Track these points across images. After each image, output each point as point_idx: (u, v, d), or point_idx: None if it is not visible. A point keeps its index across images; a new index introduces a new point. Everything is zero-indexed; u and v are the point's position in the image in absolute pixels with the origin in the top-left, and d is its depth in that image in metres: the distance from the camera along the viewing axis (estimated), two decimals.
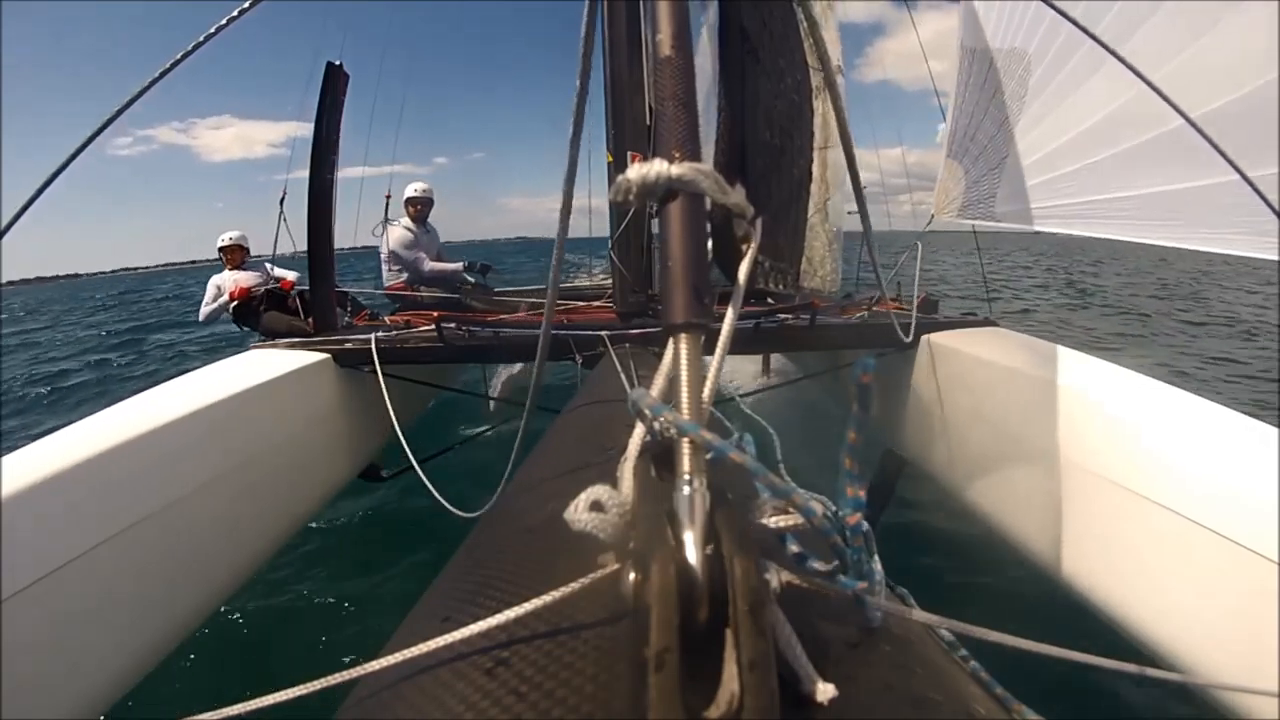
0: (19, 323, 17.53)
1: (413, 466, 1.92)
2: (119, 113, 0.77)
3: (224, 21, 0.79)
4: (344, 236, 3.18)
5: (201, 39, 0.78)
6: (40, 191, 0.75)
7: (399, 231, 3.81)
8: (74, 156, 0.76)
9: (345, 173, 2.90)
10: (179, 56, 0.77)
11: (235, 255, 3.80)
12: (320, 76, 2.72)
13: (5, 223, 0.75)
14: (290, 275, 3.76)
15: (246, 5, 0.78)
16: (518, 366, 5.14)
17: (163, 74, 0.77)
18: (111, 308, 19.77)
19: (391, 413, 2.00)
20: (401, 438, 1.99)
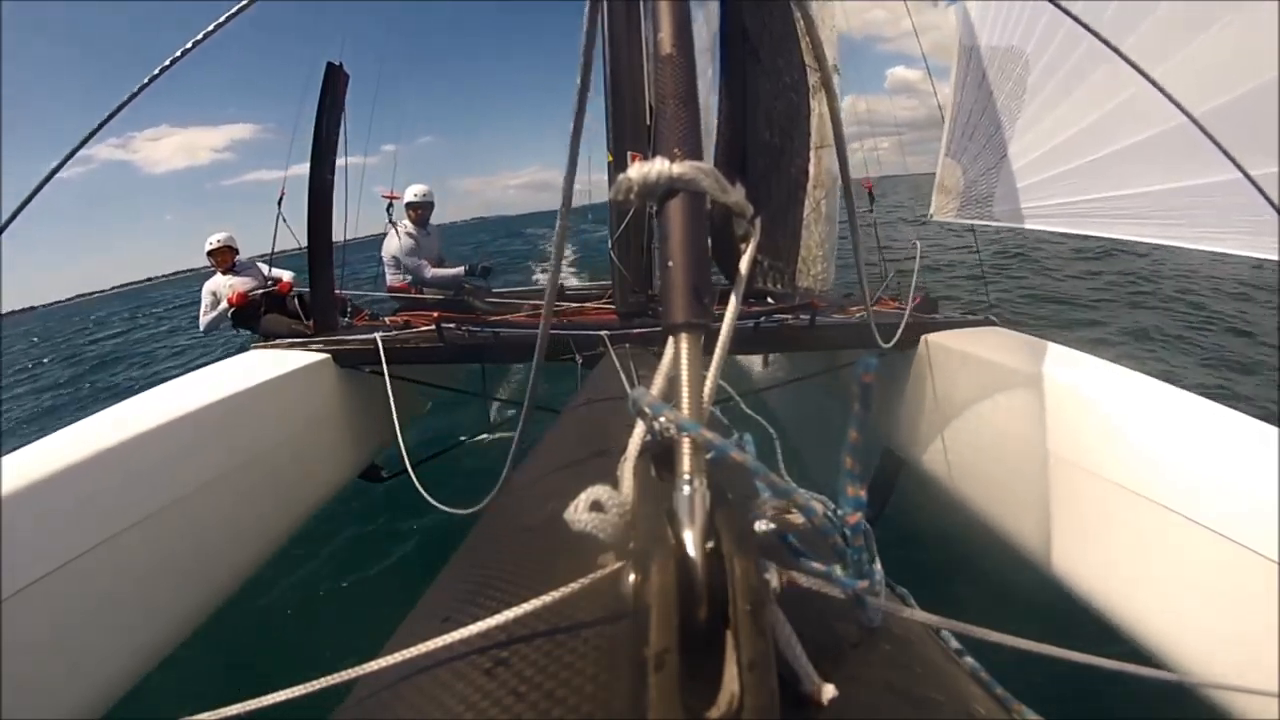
0: None
1: (407, 471, 1.92)
2: (112, 115, 0.77)
3: (224, 18, 0.79)
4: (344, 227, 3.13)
5: (201, 36, 0.78)
6: (30, 198, 0.75)
7: (401, 237, 3.83)
8: (65, 160, 0.76)
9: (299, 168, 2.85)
10: (179, 54, 0.77)
11: (225, 257, 3.72)
12: (317, 78, 2.71)
13: (7, 217, 0.75)
14: (287, 276, 3.71)
15: (239, 7, 0.78)
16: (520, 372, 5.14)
17: (161, 72, 0.77)
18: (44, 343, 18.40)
19: (394, 411, 2.00)
20: (400, 441, 1.98)
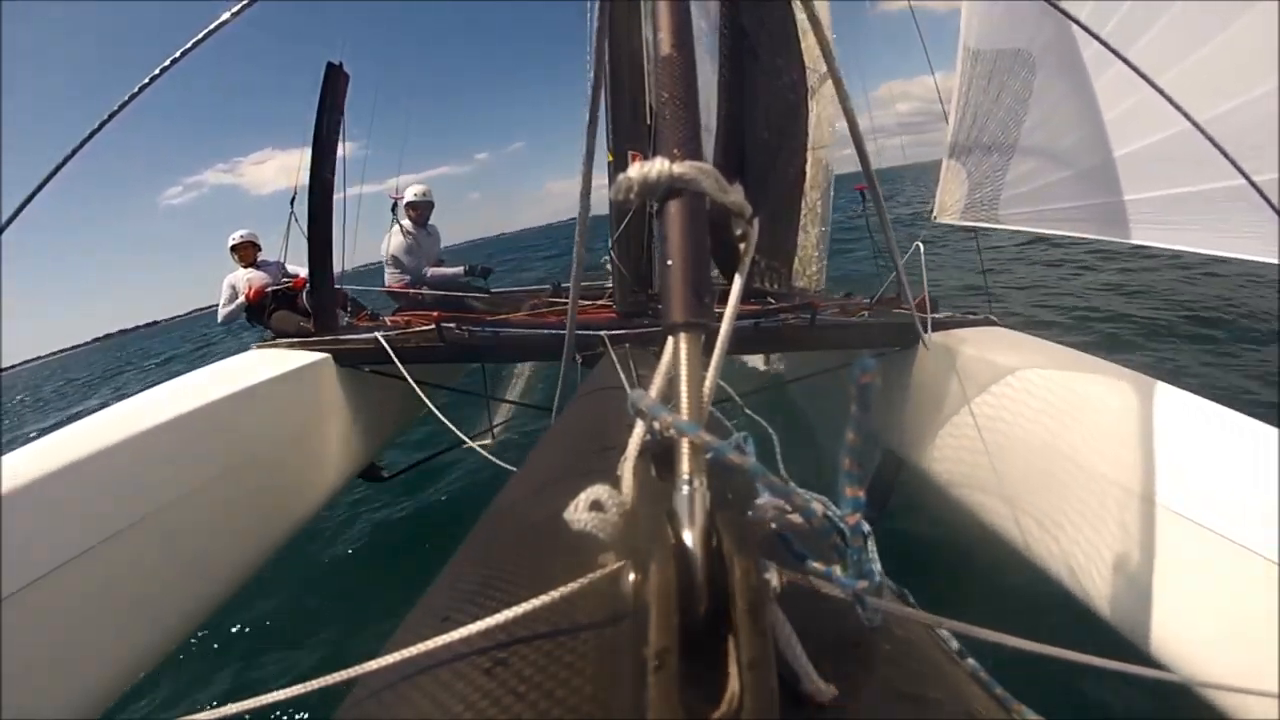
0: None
1: (466, 442, 1.96)
2: (112, 116, 0.77)
3: (226, 16, 0.79)
4: (341, 257, 3.15)
5: (201, 36, 0.78)
6: (30, 198, 0.75)
7: (400, 236, 3.85)
8: (65, 161, 0.76)
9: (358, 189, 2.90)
10: (178, 54, 0.77)
11: (248, 253, 3.81)
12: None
13: (3, 220, 0.75)
14: (304, 273, 3.78)
15: (239, 7, 0.78)
16: (527, 370, 5.14)
17: (161, 73, 0.77)
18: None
19: (426, 401, 2.03)
20: (442, 419, 2.03)
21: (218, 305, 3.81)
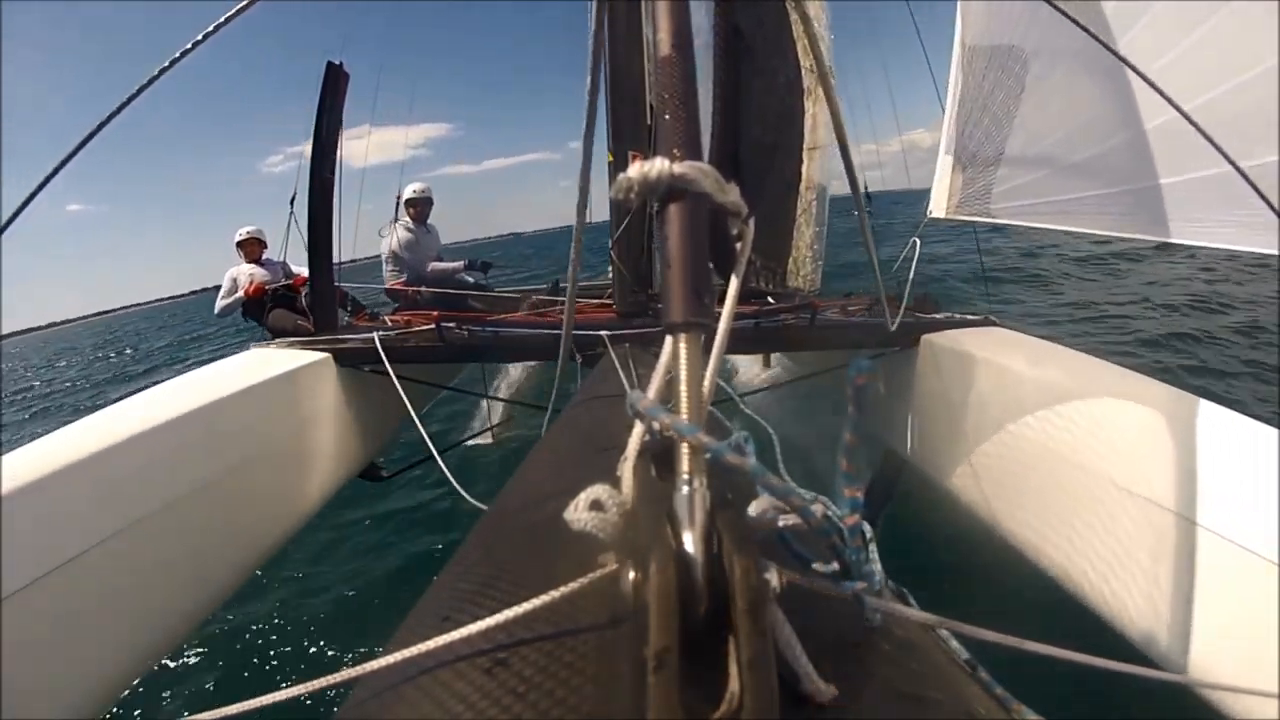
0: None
1: (435, 457, 1.94)
2: (112, 116, 0.77)
3: (224, 18, 0.79)
4: (343, 248, 3.16)
5: (201, 37, 0.78)
6: (31, 198, 0.75)
7: (400, 233, 3.85)
8: (66, 161, 0.76)
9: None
10: (179, 55, 0.77)
11: (253, 249, 3.81)
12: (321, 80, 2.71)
13: (7, 217, 0.75)
14: (305, 273, 3.79)
15: (239, 7, 0.78)
16: (519, 370, 5.13)
17: (161, 73, 0.77)
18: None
19: (408, 405, 2.01)
20: (420, 428, 2.00)
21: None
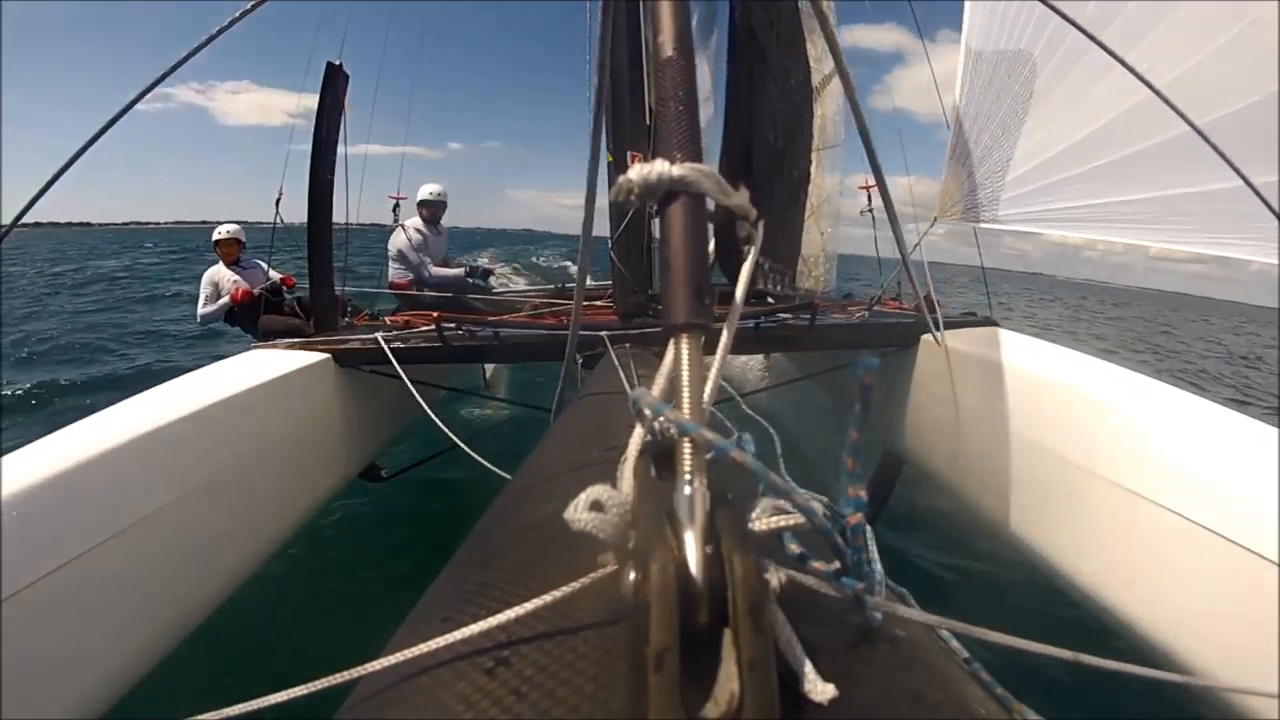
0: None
1: (459, 446, 1.97)
2: (115, 117, 0.77)
3: (229, 20, 0.79)
4: (341, 212, 3.06)
5: (205, 40, 0.78)
6: (34, 200, 0.75)
7: (410, 233, 3.87)
8: (69, 164, 0.76)
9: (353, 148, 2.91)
10: (185, 55, 0.77)
11: (232, 250, 3.68)
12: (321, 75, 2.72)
13: (12, 218, 0.75)
14: (290, 275, 3.74)
15: (248, 8, 0.78)
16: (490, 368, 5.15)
17: (165, 75, 0.77)
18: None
19: (418, 397, 2.03)
20: (439, 423, 2.03)
21: (196, 302, 3.67)
